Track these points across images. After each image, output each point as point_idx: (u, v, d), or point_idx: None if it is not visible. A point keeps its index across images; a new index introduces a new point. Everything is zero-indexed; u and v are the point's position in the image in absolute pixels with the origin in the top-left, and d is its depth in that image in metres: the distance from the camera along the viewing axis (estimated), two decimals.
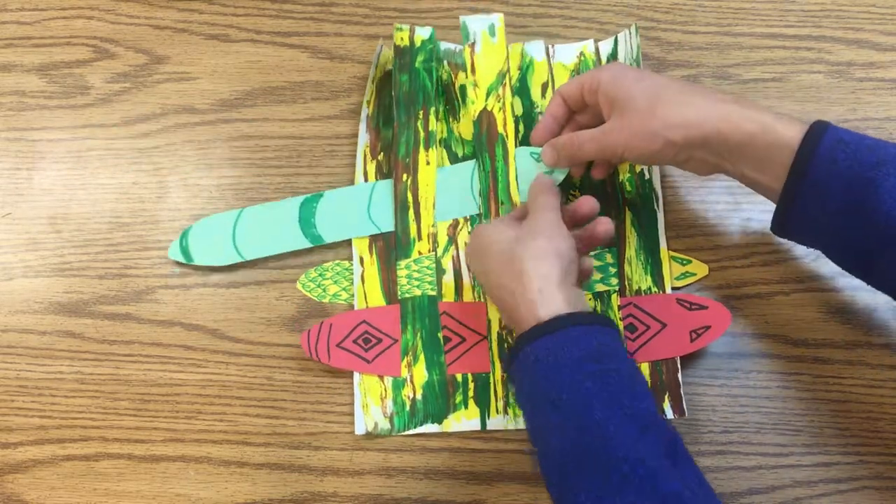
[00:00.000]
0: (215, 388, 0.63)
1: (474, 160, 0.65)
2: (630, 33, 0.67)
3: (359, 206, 0.65)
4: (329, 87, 0.69)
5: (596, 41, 0.69)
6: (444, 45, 0.68)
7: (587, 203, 0.58)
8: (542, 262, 0.52)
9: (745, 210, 0.65)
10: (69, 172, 0.67)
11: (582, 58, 0.68)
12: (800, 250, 0.64)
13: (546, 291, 0.51)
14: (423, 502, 0.61)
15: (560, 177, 0.62)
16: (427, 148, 0.65)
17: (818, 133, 0.50)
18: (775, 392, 0.62)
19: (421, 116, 0.66)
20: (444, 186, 0.65)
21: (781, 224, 0.54)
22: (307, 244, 0.64)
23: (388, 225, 0.65)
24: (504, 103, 0.66)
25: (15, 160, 0.67)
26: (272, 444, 0.62)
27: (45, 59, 0.69)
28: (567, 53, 0.68)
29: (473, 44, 0.66)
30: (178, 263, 0.64)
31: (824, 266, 0.64)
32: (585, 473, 0.45)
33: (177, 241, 0.64)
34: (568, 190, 0.65)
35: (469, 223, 0.65)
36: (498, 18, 0.67)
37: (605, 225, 0.57)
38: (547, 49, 0.68)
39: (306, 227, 0.64)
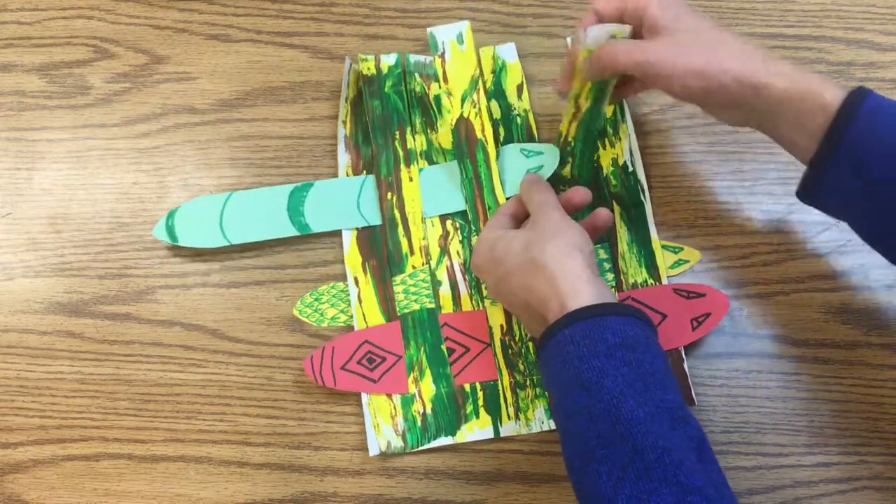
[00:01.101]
0: (215, 388, 0.63)
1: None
2: (623, 32, 0.67)
3: (348, 198, 0.65)
4: (329, 87, 0.69)
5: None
6: (413, 58, 0.68)
7: (579, 193, 0.59)
8: (565, 260, 0.52)
9: (745, 210, 0.65)
10: (69, 172, 0.67)
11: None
12: (800, 250, 0.64)
13: (577, 286, 0.51)
14: (423, 502, 0.61)
15: (548, 172, 0.63)
16: (408, 165, 0.65)
17: (858, 98, 0.49)
18: (775, 392, 0.62)
19: (398, 136, 0.66)
20: (432, 183, 0.65)
21: (809, 189, 0.52)
22: (294, 232, 0.64)
23: (376, 219, 0.65)
24: (480, 108, 0.66)
25: (15, 160, 0.67)
26: (272, 444, 0.62)
27: (45, 59, 0.69)
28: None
29: (443, 53, 0.67)
30: (174, 249, 0.65)
31: (824, 266, 0.64)
32: (610, 457, 0.45)
33: (163, 220, 0.64)
34: (557, 186, 0.65)
35: (459, 231, 0.65)
36: (465, 26, 0.67)
37: (604, 214, 0.59)
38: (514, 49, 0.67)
39: (294, 214, 0.64)
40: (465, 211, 0.65)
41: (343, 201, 0.65)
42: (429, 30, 0.67)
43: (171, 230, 0.64)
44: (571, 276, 0.51)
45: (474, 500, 0.60)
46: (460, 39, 0.67)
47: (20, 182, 0.67)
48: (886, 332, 0.62)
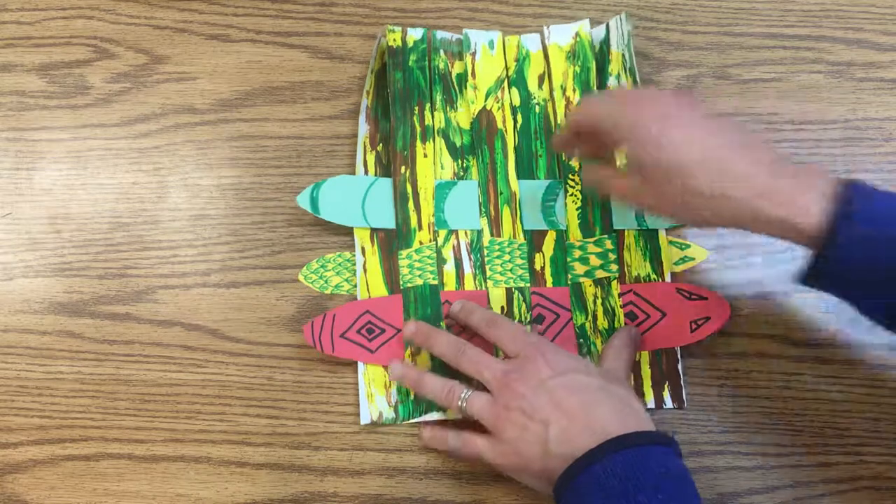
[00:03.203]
0: (215, 388, 0.63)
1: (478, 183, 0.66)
2: (621, 20, 0.68)
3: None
4: (329, 87, 0.69)
5: (592, 20, 0.68)
6: (440, 35, 0.69)
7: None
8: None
9: None
10: (69, 172, 0.67)
11: (578, 39, 0.68)
12: (800, 250, 0.64)
13: (610, 425, 0.51)
14: (423, 502, 0.61)
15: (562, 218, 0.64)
16: (424, 141, 0.66)
17: (842, 215, 0.48)
18: (775, 392, 0.62)
19: (417, 112, 0.66)
20: (449, 199, 0.66)
21: (812, 276, 0.52)
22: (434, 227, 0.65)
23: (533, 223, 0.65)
24: (503, 104, 0.67)
25: (15, 160, 0.67)
26: (272, 444, 0.62)
27: (45, 59, 0.69)
28: (563, 35, 0.69)
29: (474, 53, 0.68)
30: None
31: None
32: None
33: (308, 190, 0.64)
34: (567, 174, 0.65)
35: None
36: (497, 35, 0.68)
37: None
38: (542, 32, 0.69)
39: (436, 210, 0.65)
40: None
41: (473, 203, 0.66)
42: (464, 31, 0.68)
43: (314, 201, 0.64)
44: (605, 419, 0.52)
45: (474, 500, 0.60)
46: (491, 45, 0.68)
47: (20, 182, 0.67)
48: (886, 332, 0.62)
